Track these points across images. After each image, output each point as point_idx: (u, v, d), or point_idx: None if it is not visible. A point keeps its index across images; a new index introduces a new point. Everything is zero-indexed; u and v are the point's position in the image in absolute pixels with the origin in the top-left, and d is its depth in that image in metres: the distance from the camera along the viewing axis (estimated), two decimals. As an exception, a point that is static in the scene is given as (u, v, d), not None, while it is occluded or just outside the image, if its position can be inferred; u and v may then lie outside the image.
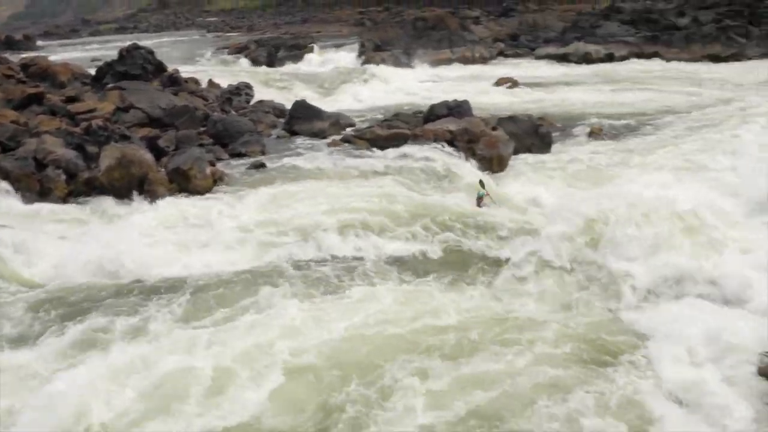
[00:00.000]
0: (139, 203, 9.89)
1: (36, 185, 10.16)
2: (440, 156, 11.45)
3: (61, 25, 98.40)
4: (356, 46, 32.72)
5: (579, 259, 7.37)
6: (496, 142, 12.09)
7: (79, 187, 10.35)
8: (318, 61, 30.90)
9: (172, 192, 10.18)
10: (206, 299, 6.85)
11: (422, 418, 4.93)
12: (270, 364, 5.53)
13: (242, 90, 19.80)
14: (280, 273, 7.48)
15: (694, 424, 4.83)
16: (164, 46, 42.38)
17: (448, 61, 30.52)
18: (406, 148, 11.89)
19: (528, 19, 42.44)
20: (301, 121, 15.00)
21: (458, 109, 13.67)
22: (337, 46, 33.70)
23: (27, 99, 14.04)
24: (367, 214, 8.87)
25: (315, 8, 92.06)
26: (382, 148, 12.27)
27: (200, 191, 10.25)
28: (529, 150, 12.87)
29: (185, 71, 20.53)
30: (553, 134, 13.82)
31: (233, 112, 16.44)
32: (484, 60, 31.48)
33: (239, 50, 35.45)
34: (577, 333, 6.12)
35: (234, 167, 11.79)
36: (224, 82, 20.75)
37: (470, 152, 11.78)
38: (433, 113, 13.79)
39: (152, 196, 10.01)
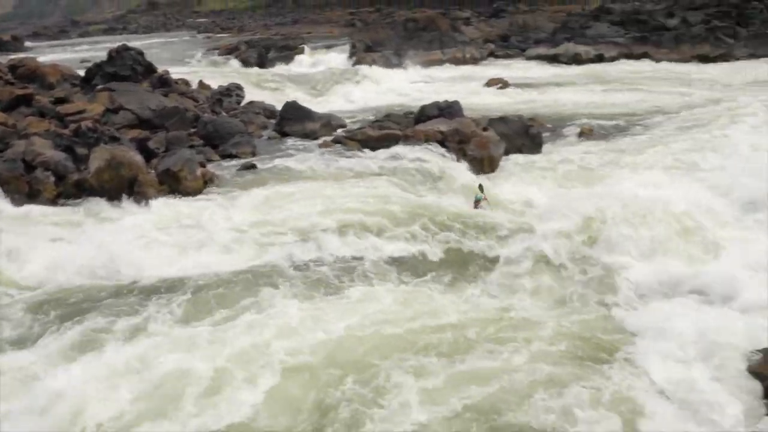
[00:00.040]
0: (130, 205, 9.84)
1: (25, 187, 10.08)
2: (433, 157, 11.47)
3: (49, 26, 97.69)
4: (347, 47, 32.70)
5: (574, 258, 7.43)
6: (487, 142, 12.11)
7: (68, 189, 10.28)
8: (309, 62, 30.86)
9: (162, 194, 10.13)
10: (203, 300, 6.84)
11: (419, 414, 4.95)
12: (267, 364, 5.52)
13: (233, 91, 19.74)
14: (277, 273, 7.47)
15: (684, 420, 4.87)
16: (154, 47, 42.16)
17: (439, 62, 30.57)
18: (398, 149, 11.91)
19: (518, 20, 42.54)
20: (292, 122, 14.97)
21: (449, 109, 13.68)
22: (328, 47, 33.66)
23: (15, 100, 13.94)
24: (363, 215, 8.86)
25: (305, 9, 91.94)
26: (374, 148, 12.27)
27: (191, 193, 10.22)
28: (519, 150, 12.90)
29: (175, 72, 20.44)
30: (544, 135, 13.87)
31: (224, 114, 16.38)
32: (474, 61, 31.55)
33: (230, 51, 35.33)
34: (573, 331, 6.17)
35: (225, 168, 11.75)
36: (215, 84, 20.68)
37: (461, 153, 11.80)
38: (424, 114, 13.80)
39: (142, 197, 9.95)
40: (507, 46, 35.28)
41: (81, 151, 10.96)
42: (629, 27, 33.22)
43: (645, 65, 27.28)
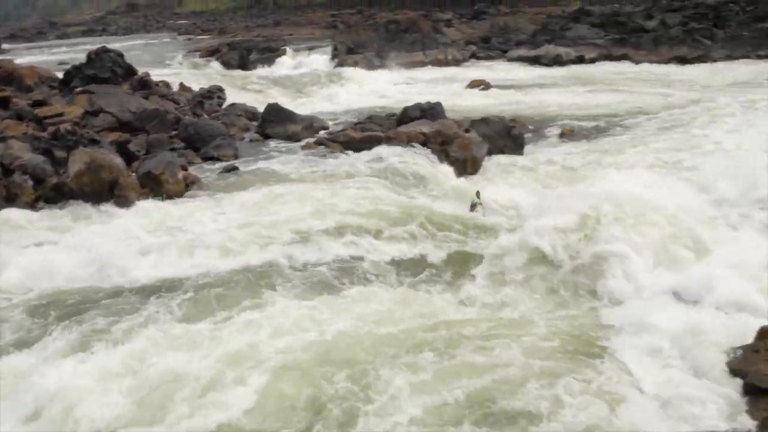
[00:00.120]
0: (112, 208, 9.75)
1: (2, 191, 9.93)
2: (418, 159, 11.48)
3: (27, 28, 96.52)
4: (329, 48, 32.65)
5: (566, 256, 7.47)
6: (470, 144, 12.15)
7: (47, 193, 10.15)
8: (291, 63, 30.76)
9: (143, 197, 10.04)
10: (198, 301, 6.81)
11: (413, 407, 4.99)
12: (262, 364, 5.52)
13: (214, 93, 19.62)
14: (271, 274, 7.44)
15: (665, 417, 4.91)
16: (134, 49, 41.77)
17: (421, 64, 30.64)
18: (381, 151, 11.87)
19: (499, 22, 42.78)
20: (274, 124, 14.92)
21: (431, 111, 13.71)
22: (310, 49, 33.57)
23: (-8, 103, 13.73)
24: (355, 217, 8.86)
25: (287, 11, 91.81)
26: (357, 150, 12.26)
27: (172, 195, 10.15)
28: (501, 151, 12.96)
29: (156, 74, 20.27)
30: (526, 136, 13.95)
31: (205, 116, 16.27)
32: (456, 62, 31.67)
33: (211, 53, 35.10)
34: (565, 327, 6.29)
35: (206, 171, 11.69)
36: (196, 86, 20.54)
37: (444, 154, 11.82)
38: (407, 115, 13.82)
39: (123, 200, 9.87)
40: (488, 47, 35.46)
41: (60, 154, 10.82)
42: (609, 29, 33.58)
43: (625, 66, 27.57)
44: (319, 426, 4.90)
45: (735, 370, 5.24)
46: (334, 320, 6.28)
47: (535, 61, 30.09)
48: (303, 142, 13.78)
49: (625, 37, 31.26)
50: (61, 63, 27.70)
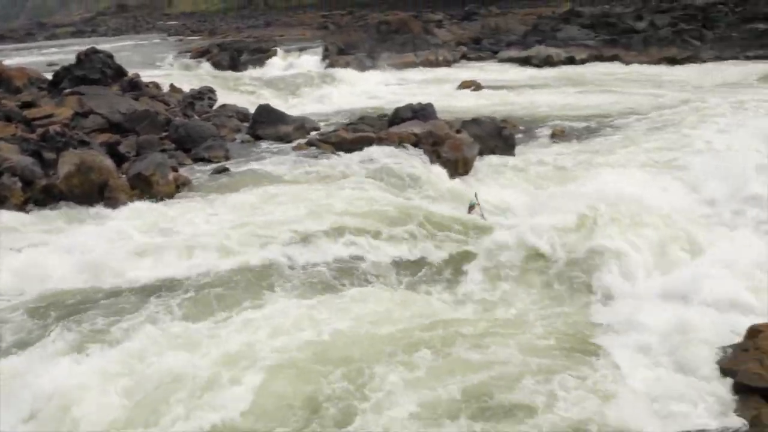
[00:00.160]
0: (103, 209, 9.69)
1: (-9, 193, 9.85)
2: (409, 159, 11.48)
3: (15, 29, 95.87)
4: (320, 49, 32.59)
5: (559, 254, 7.53)
6: (461, 144, 12.16)
7: (36, 195, 10.08)
8: (281, 64, 30.69)
9: (133, 198, 10.00)
10: (193, 301, 6.79)
11: (410, 403, 5.01)
12: (260, 363, 5.52)
13: (205, 94, 19.56)
14: (269, 274, 7.43)
15: (655, 415, 4.94)
16: (124, 50, 41.59)
17: (412, 65, 30.66)
18: (373, 152, 11.87)
19: (490, 23, 42.87)
20: (266, 125, 14.89)
21: (422, 112, 13.72)
22: (301, 50, 33.50)
23: (-20, 105, 13.64)
24: (352, 217, 8.85)
25: (278, 12, 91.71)
26: (348, 151, 12.25)
27: (163, 197, 10.11)
28: (492, 152, 12.98)
29: (146, 76, 20.17)
30: (517, 136, 13.99)
31: (196, 117, 16.22)
32: (447, 63, 31.71)
33: (201, 54, 34.97)
34: (560, 326, 6.36)
35: (197, 172, 11.66)
36: (186, 87, 20.46)
37: (435, 155, 11.83)
38: (398, 116, 13.82)
39: (113, 202, 9.83)
40: (479, 48, 35.54)
41: (49, 155, 10.75)
42: (599, 30, 33.72)
43: (615, 67, 27.67)
44: (317, 423, 4.91)
45: (725, 368, 5.27)
46: (332, 320, 6.29)
47: (525, 61, 30.16)
48: (294, 143, 13.76)
49: (616, 38, 31.40)
50: (50, 64, 27.52)
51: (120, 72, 18.45)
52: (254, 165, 11.80)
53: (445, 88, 23.18)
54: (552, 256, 7.52)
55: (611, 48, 30.46)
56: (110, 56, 18.73)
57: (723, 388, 5.10)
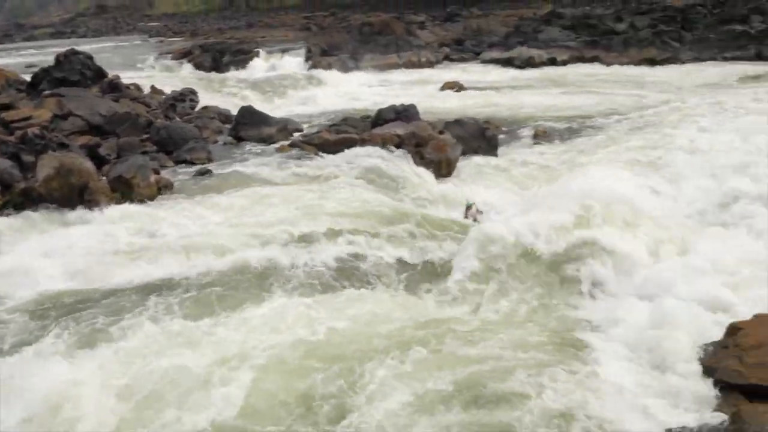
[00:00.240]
0: (85, 212, 9.57)
1: (-32, 197, 9.70)
2: (392, 160, 11.51)
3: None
4: (303, 51, 32.54)
5: (548, 252, 7.57)
6: (444, 145, 12.20)
7: (15, 198, 9.93)
8: (264, 66, 30.58)
9: (114, 201, 9.90)
10: (188, 302, 6.77)
11: (404, 395, 5.09)
12: (255, 363, 5.54)
13: (186, 96, 19.40)
14: (265, 275, 7.41)
15: (637, 411, 4.96)
16: (104, 51, 41.19)
17: (395, 66, 30.73)
18: (356, 153, 11.88)
19: (472, 24, 43.07)
20: (248, 126, 14.81)
21: (405, 113, 13.74)
22: (284, 51, 33.42)
23: (-43, 107, 13.42)
24: (334, 218, 8.86)
25: (259, 13, 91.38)
26: (331, 152, 12.23)
27: (144, 199, 10.02)
28: (475, 153, 13.04)
29: (127, 77, 20.00)
30: (499, 137, 14.07)
31: (177, 119, 16.09)
32: (430, 64, 31.82)
33: (183, 55, 34.75)
34: (548, 323, 6.49)
35: (179, 174, 11.56)
36: (168, 88, 20.31)
37: (418, 156, 11.86)
38: (381, 117, 13.83)
39: (94, 205, 9.71)
40: (462, 49, 35.71)
41: (28, 158, 10.60)
42: (580, 31, 34.04)
43: (597, 68, 27.97)
44: (312, 418, 4.95)
45: (705, 365, 5.32)
46: (328, 319, 6.32)
47: (508, 63, 30.36)
48: (277, 145, 13.70)
49: (596, 40, 31.72)
50: (29, 66, 27.16)
51: (100, 73, 18.26)
52: (238, 167, 11.74)
53: (428, 89, 23.26)
54: (543, 255, 7.57)
55: (592, 49, 30.76)
56: (90, 57, 18.53)
57: (703, 385, 5.15)
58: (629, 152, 12.72)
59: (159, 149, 13.03)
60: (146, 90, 19.40)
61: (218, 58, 32.08)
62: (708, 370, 5.25)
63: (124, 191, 10.14)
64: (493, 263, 7.52)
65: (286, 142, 13.80)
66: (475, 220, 9.49)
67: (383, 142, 12.17)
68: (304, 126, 16.15)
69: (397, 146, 12.05)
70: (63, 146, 11.22)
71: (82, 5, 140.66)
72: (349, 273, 7.64)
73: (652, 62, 28.26)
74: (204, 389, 5.24)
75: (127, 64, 31.34)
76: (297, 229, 8.44)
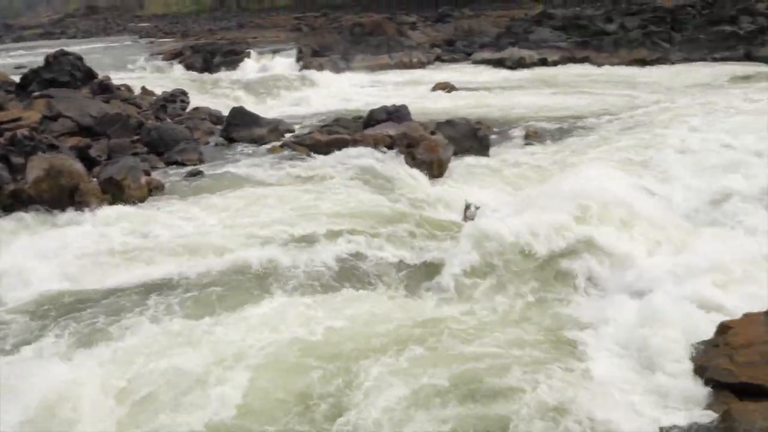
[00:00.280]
0: (76, 214, 9.51)
1: (-43, 199, 9.63)
2: (385, 161, 11.52)
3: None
4: (294, 51, 32.48)
5: (545, 251, 7.61)
6: (436, 146, 12.20)
7: (4, 200, 9.86)
8: (255, 66, 30.50)
9: (105, 203, 9.85)
10: (184, 302, 6.77)
11: (401, 389, 5.15)
12: (253, 362, 5.57)
13: (177, 97, 19.31)
14: (259, 276, 7.40)
15: (627, 409, 4.99)
16: (94, 52, 40.96)
17: (387, 67, 30.72)
18: (348, 154, 11.87)
19: (463, 25, 43.14)
20: (239, 127, 14.77)
21: (397, 113, 13.74)
22: (275, 52, 33.35)
23: (-55, 108, 13.32)
24: (338, 219, 8.86)
25: (250, 14, 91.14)
26: (323, 153, 12.23)
27: (135, 201, 9.97)
28: (467, 153, 13.06)
29: (117, 78, 19.92)
30: (491, 137, 14.09)
31: (168, 120, 16.03)
32: (422, 65, 31.83)
33: (173, 56, 34.61)
34: (545, 321, 6.56)
35: (170, 176, 11.51)
36: (158, 89, 20.22)
37: (410, 156, 11.86)
38: (373, 118, 13.82)
39: (84, 206, 9.65)
40: (453, 50, 35.75)
41: (17, 160, 10.53)
42: (571, 32, 34.14)
43: (588, 69, 28.08)
44: (310, 415, 4.99)
45: (696, 364, 5.35)
46: (326, 319, 6.34)
47: (499, 63, 30.42)
48: (269, 146, 13.67)
49: (587, 40, 31.83)
50: (18, 67, 26.97)
51: (90, 74, 18.16)
52: (229, 168, 11.71)
53: (419, 90, 23.27)
54: (538, 252, 7.60)
55: (583, 50, 30.88)
56: (80, 58, 18.43)
57: (694, 383, 5.18)
58: (621, 152, 12.80)
59: (150, 150, 12.97)
60: (137, 91, 19.31)
61: (209, 59, 31.96)
62: (699, 369, 5.28)
63: (115, 193, 10.09)
64: (489, 260, 7.55)
65: (278, 143, 13.78)
66: (473, 220, 9.51)
67: (375, 143, 12.16)
68: (296, 127, 16.13)
69: (389, 147, 12.05)
70: (53, 148, 11.15)
71: (72, 6, 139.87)
72: (346, 273, 7.64)
73: (642, 63, 28.40)
74: (202, 389, 5.25)
75: (118, 65, 31.17)
76: (293, 230, 8.44)
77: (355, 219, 8.93)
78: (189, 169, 11.84)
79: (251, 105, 18.57)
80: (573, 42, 32.09)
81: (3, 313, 6.72)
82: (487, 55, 32.16)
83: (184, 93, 19.93)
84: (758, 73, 23.78)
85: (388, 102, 14.83)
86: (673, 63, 28.31)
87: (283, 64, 30.49)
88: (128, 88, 18.93)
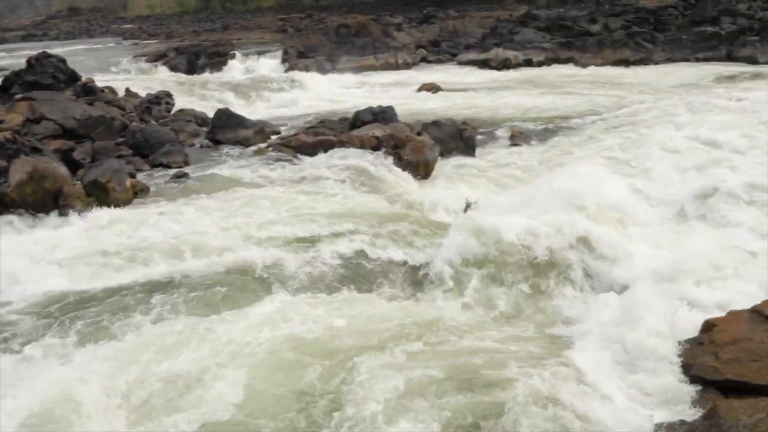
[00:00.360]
0: (61, 217, 9.46)
1: (-62, 203, 9.51)
2: (371, 162, 11.51)
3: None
4: (279, 53, 32.36)
5: (541, 250, 7.62)
6: (422, 147, 12.22)
7: (-14, 204, 9.76)
8: (240, 68, 30.35)
9: (89, 205, 9.77)
10: (180, 303, 6.75)
11: (399, 382, 5.20)
12: (251, 361, 5.60)
13: (162, 99, 19.18)
14: (256, 276, 7.39)
15: (612, 407, 5.02)
16: (77, 54, 40.52)
17: (373, 68, 30.71)
18: (334, 155, 11.85)
19: (448, 26, 43.20)
20: (225, 129, 14.70)
21: (383, 114, 13.74)
22: (260, 53, 33.21)
23: (-75, 111, 13.14)
24: (335, 219, 8.83)
25: (235, 15, 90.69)
26: (309, 155, 12.20)
27: (120, 204, 9.90)
28: (453, 154, 13.09)
29: (101, 80, 19.80)
30: (477, 138, 14.14)
31: (153, 122, 15.93)
32: (407, 66, 31.85)
33: (158, 58, 34.30)
34: (540, 320, 6.67)
35: (156, 178, 11.43)
36: (143, 91, 20.07)
37: (397, 157, 11.86)
38: (359, 119, 13.82)
39: (68, 210, 9.58)
40: (438, 51, 35.80)
41: (-1, 163, 10.43)
42: (555, 32, 34.30)
43: (573, 69, 28.26)
44: (309, 412, 5.03)
45: (681, 362, 5.40)
46: (325, 318, 6.38)
47: (484, 64, 30.51)
48: (255, 147, 13.61)
49: (571, 41, 31.99)
50: (-1, 69, 26.69)
51: (73, 77, 18.02)
52: (215, 170, 11.65)
53: (405, 91, 23.30)
54: (531, 249, 7.63)
55: (567, 50, 31.05)
56: (63, 60, 18.28)
57: (680, 381, 5.23)
58: (607, 151, 12.92)
59: (134, 153, 12.88)
60: (121, 93, 19.18)
61: (193, 61, 31.73)
62: (684, 367, 5.33)
63: (100, 196, 10.02)
64: (487, 263, 7.57)
65: (264, 145, 13.73)
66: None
67: (361, 144, 12.16)
68: (282, 128, 16.08)
69: (375, 148, 12.05)
70: (36, 151, 11.05)
71: (55, 7, 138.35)
72: (347, 273, 7.66)
73: (626, 63, 28.65)
74: (202, 388, 5.27)
75: (101, 67, 30.88)
76: (290, 231, 8.43)
77: (348, 220, 8.89)
78: (174, 171, 11.77)
79: (237, 107, 18.50)
80: (557, 43, 32.25)
81: (2, 314, 6.69)
82: (472, 56, 32.23)
83: (168, 95, 19.81)
84: (741, 73, 24.12)
85: (375, 103, 14.82)
86: (656, 63, 28.57)
87: (269, 65, 30.36)
88: (112, 90, 18.80)
